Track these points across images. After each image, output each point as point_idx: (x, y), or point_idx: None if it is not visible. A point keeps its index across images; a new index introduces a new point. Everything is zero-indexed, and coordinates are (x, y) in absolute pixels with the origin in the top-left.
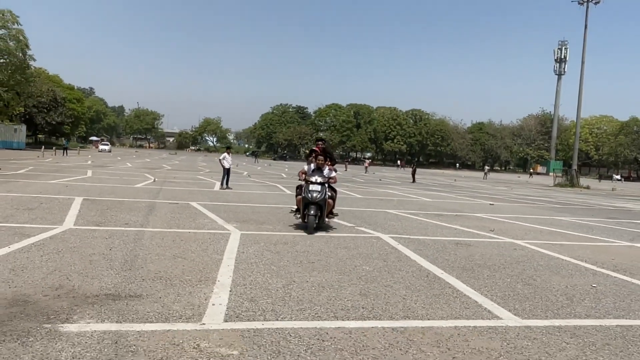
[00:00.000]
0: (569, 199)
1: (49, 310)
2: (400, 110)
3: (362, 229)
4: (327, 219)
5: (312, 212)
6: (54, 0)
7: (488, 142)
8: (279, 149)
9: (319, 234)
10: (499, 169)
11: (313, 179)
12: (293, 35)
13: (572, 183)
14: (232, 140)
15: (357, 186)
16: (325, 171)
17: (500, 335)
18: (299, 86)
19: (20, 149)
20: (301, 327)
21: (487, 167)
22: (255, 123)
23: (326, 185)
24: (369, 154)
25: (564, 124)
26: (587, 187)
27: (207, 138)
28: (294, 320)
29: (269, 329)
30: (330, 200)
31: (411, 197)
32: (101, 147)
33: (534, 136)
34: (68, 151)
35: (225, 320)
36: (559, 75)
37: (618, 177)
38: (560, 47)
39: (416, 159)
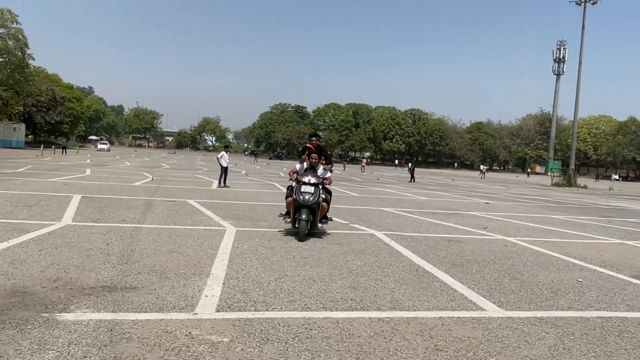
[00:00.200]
0: (565, 198)
1: (46, 301)
2: (399, 110)
3: (357, 226)
4: (320, 225)
5: (303, 216)
6: None
7: (487, 142)
8: (278, 148)
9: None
10: (497, 168)
11: (306, 179)
12: (292, 35)
13: (569, 183)
14: (231, 140)
15: (354, 185)
16: (320, 171)
17: (482, 326)
18: (298, 86)
19: (20, 148)
20: (290, 317)
21: (482, 166)
22: (255, 122)
23: (320, 186)
24: (367, 154)
25: (562, 124)
26: (585, 187)
27: (206, 137)
28: (284, 310)
29: (259, 318)
30: (324, 204)
31: (408, 196)
32: (100, 146)
33: (533, 136)
34: (67, 150)
35: (217, 311)
36: (558, 75)
37: (616, 177)
38: (558, 47)
39: (415, 159)
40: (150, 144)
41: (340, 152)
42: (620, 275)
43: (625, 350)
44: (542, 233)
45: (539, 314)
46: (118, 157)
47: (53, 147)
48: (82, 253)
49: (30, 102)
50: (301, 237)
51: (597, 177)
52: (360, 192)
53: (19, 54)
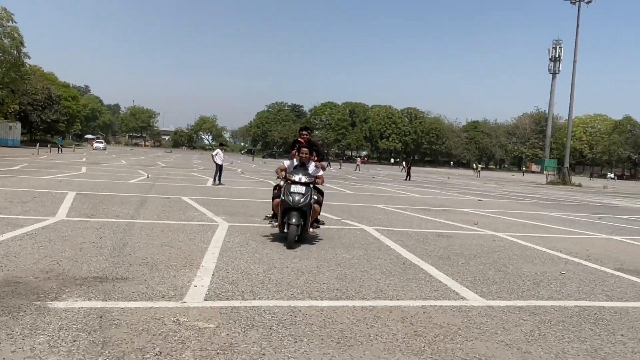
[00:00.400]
0: (558, 196)
1: (39, 290)
2: (395, 109)
3: (348, 221)
4: (311, 229)
5: (293, 220)
6: None
7: (483, 141)
8: (274, 147)
9: None
10: (493, 167)
11: (296, 177)
12: (289, 33)
13: (564, 181)
14: (227, 139)
15: (349, 183)
16: (311, 168)
17: (462, 313)
18: (294, 84)
19: (15, 147)
20: (276, 306)
21: (476, 165)
22: (251, 121)
23: (311, 186)
24: (364, 153)
25: (558, 123)
26: (579, 185)
27: (203, 136)
28: (270, 300)
29: (245, 306)
30: (316, 206)
31: (401, 194)
32: (96, 145)
33: (529, 135)
34: (63, 149)
35: (206, 299)
36: (554, 74)
37: (612, 175)
38: (554, 46)
39: (411, 157)
40: (146, 143)
41: (337, 151)
42: (603, 268)
43: (598, 336)
44: (532, 229)
45: (519, 303)
46: (114, 155)
47: (49, 145)
48: (75, 246)
49: (26, 101)
50: (290, 244)
51: (591, 176)
52: (354, 189)
53: (15, 52)
